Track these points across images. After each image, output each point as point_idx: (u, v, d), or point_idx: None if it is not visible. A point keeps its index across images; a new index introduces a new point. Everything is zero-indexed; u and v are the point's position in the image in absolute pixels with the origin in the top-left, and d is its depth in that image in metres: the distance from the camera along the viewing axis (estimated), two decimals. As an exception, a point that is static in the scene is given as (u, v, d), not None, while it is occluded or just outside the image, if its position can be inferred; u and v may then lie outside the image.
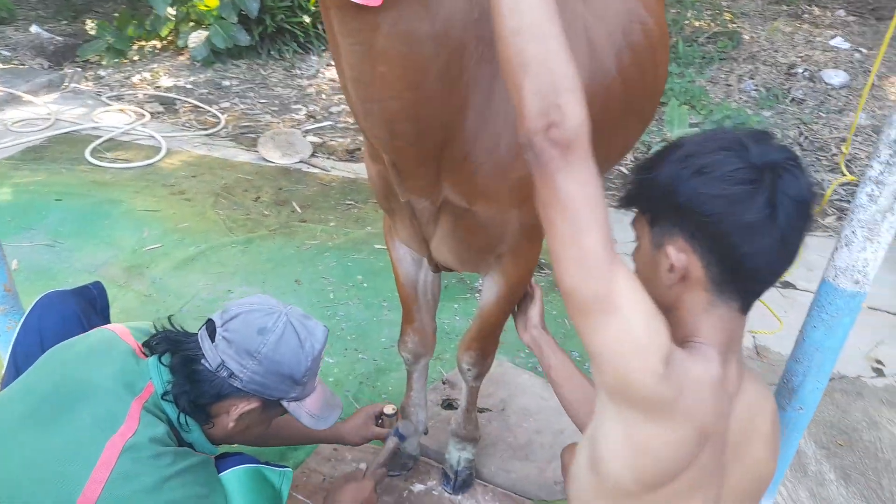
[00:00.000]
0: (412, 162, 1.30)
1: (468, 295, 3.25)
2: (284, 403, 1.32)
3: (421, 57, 1.09)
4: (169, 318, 1.35)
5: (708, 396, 0.96)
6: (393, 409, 1.89)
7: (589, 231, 0.91)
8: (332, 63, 6.73)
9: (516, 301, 1.77)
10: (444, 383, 2.54)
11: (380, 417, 1.88)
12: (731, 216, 0.94)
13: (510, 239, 1.55)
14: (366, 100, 1.15)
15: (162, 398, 1.22)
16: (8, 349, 1.70)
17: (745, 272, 0.98)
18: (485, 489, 2.08)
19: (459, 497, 2.04)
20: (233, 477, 1.31)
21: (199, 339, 1.27)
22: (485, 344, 1.85)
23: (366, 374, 2.63)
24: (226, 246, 3.48)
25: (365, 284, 3.24)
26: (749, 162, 0.95)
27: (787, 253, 0.98)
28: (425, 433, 2.14)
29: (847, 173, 1.37)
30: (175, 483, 1.11)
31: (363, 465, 1.66)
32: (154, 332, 1.34)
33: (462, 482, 2.05)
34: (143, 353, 1.29)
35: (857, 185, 1.24)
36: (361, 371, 2.65)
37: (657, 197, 1.00)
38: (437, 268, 1.76)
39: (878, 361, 2.93)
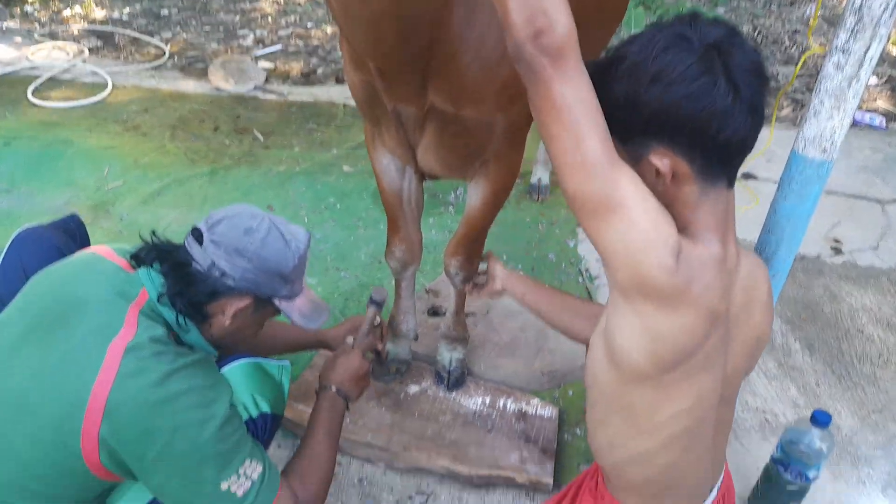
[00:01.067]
0: (398, 66, 1.28)
1: (441, 209, 3.29)
2: (276, 302, 1.35)
3: None
4: (153, 232, 1.35)
5: (714, 280, 1.00)
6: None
7: (588, 135, 0.92)
8: (276, -17, 6.44)
9: (500, 206, 1.81)
10: (427, 292, 2.60)
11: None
12: (701, 111, 0.95)
13: (496, 144, 1.56)
14: (348, 2, 1.13)
15: (158, 302, 1.23)
16: (-8, 287, 1.68)
17: (730, 152, 1.01)
18: (477, 385, 2.18)
19: (454, 394, 2.13)
20: (233, 370, 1.35)
21: (187, 246, 1.28)
22: (470, 248, 1.89)
23: (350, 291, 2.67)
24: (190, 178, 3.41)
25: (338, 206, 3.24)
26: (696, 53, 0.95)
27: (759, 116, 1.01)
28: (415, 339, 2.21)
29: (814, 44, 1.41)
30: (180, 376, 1.14)
31: (350, 340, 1.72)
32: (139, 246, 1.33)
33: (455, 380, 2.14)
34: (131, 267, 1.29)
35: (823, 58, 1.28)
36: (345, 288, 2.69)
37: (620, 117, 0.99)
38: (423, 176, 1.78)
39: (836, 241, 3.09)
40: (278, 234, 1.30)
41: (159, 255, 1.28)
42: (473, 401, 2.12)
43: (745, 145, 1.01)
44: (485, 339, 2.36)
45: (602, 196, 0.94)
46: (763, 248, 1.44)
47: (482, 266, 1.83)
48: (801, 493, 1.74)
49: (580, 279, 2.78)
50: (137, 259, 1.29)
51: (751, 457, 2.04)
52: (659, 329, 0.99)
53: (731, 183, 1.06)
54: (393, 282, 2.14)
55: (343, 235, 3.02)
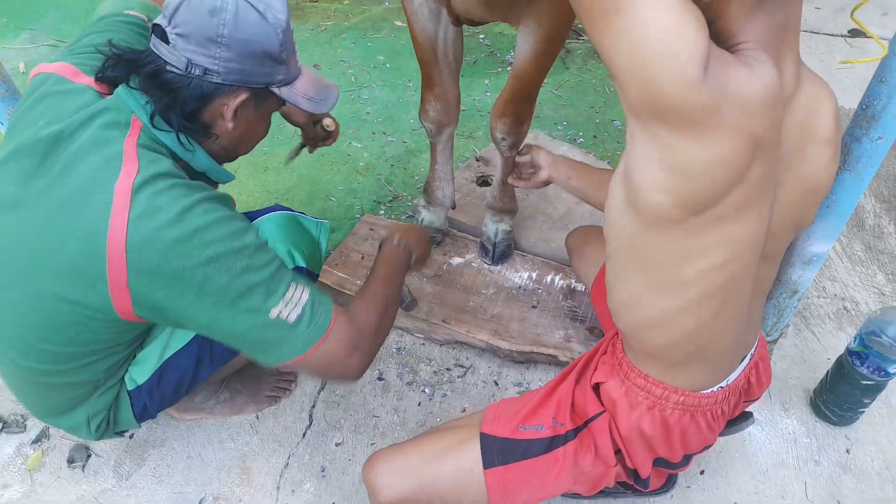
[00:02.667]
0: None
1: (499, 69, 3.02)
2: (276, 90, 1.19)
3: None
4: (109, 41, 1.15)
5: (758, 103, 0.79)
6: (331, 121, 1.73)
7: None
8: None
9: (554, 57, 1.57)
10: (477, 161, 2.42)
11: (317, 123, 1.72)
12: None
13: None
14: None
15: (153, 127, 1.10)
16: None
17: None
18: (524, 259, 2.04)
19: (498, 267, 2.01)
20: (267, 222, 1.25)
21: (154, 49, 1.09)
22: (520, 108, 1.68)
23: (396, 157, 2.52)
24: (236, 34, 3.23)
25: (387, 65, 3.02)
26: None
27: None
28: (453, 208, 2.07)
29: None
30: (198, 210, 1.02)
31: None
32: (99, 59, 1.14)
33: (500, 253, 2.01)
34: (104, 88, 1.13)
35: None
36: (392, 154, 2.54)
37: None
38: (458, 20, 1.55)
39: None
40: (249, 8, 1.08)
41: (128, 67, 1.11)
42: (519, 275, 1.99)
43: None
44: (536, 211, 2.19)
45: None
46: (870, 103, 1.17)
47: (526, 158, 1.63)
48: (877, 389, 1.57)
49: (648, 149, 2.52)
50: (106, 79, 1.13)
51: (821, 347, 1.86)
52: (684, 163, 0.80)
53: None
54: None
55: (392, 97, 2.83)
